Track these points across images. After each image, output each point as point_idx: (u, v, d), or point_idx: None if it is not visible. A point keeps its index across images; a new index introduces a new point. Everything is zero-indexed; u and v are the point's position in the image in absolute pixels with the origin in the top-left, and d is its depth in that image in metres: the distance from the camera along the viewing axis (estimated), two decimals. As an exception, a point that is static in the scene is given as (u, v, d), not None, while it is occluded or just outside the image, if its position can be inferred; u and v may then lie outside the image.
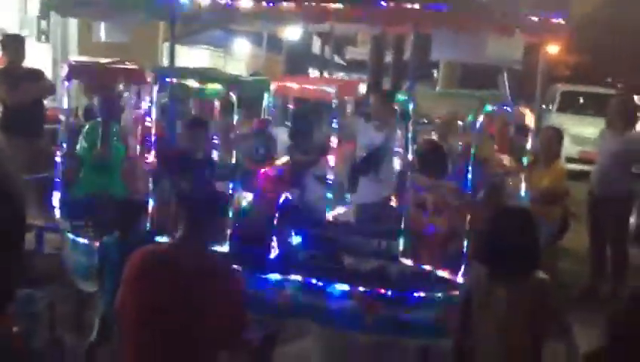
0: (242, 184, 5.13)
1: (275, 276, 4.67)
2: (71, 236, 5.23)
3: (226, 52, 20.64)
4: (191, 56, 18.41)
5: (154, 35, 14.30)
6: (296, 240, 4.99)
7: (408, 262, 4.71)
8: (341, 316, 4.61)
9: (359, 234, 5.18)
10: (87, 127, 5.97)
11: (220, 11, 4.95)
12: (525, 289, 3.25)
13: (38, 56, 10.63)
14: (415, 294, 4.58)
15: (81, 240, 5.12)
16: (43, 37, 13.57)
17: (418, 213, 4.85)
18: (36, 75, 6.97)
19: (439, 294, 4.54)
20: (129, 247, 3.98)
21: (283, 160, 5.51)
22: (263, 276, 4.67)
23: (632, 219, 7.92)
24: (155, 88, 5.00)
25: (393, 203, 5.70)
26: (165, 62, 8.75)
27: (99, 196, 5.48)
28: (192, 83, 5.10)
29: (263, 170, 5.13)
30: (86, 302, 4.92)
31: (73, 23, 12.58)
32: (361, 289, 4.60)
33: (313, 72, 13.13)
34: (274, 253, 4.79)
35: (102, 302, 4.41)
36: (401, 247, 4.72)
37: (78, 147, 5.82)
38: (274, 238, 4.80)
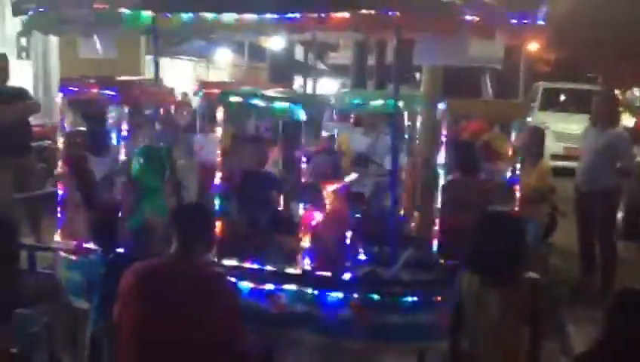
0: (312, 202, 5.01)
1: (269, 286, 4.70)
2: (63, 254, 5.24)
3: (209, 62, 20.71)
4: (173, 67, 18.43)
5: (136, 48, 14.31)
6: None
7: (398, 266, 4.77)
8: (335, 324, 4.64)
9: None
10: (150, 151, 5.47)
11: (201, 24, 4.99)
12: (517, 291, 3.27)
13: (19, 74, 10.58)
14: (408, 298, 4.62)
15: (73, 257, 5.12)
16: (23, 54, 13.54)
17: (456, 214, 4.89)
18: (21, 93, 6.98)
19: (433, 297, 4.58)
20: (110, 263, 4.02)
21: (351, 177, 5.52)
22: (259, 287, 4.70)
23: (619, 214, 8.01)
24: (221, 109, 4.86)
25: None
26: (149, 75, 8.73)
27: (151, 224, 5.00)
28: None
29: (332, 188, 5.10)
30: (82, 320, 4.90)
31: (54, 39, 12.55)
32: (354, 296, 4.63)
33: (297, 79, 13.19)
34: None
35: (90, 319, 4.41)
36: (435, 248, 4.82)
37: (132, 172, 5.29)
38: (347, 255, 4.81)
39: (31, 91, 8.62)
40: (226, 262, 4.71)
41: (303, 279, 4.68)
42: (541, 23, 5.04)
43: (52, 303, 4.68)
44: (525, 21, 4.90)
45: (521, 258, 3.33)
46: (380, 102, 5.79)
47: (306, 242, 4.69)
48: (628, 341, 2.59)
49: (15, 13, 10.51)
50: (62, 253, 5.25)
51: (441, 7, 4.64)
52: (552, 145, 12.45)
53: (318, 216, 4.80)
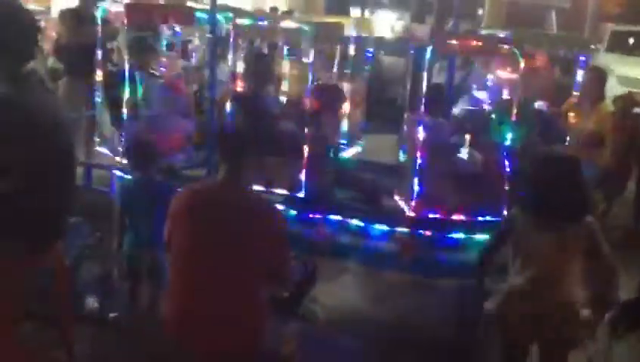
0: None
1: (316, 216, 4.74)
2: (118, 172, 5.35)
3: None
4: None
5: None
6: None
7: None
8: (379, 256, 4.67)
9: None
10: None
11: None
12: (573, 235, 3.19)
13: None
14: (453, 236, 4.62)
15: (129, 176, 5.21)
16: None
17: None
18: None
19: (477, 236, 4.56)
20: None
21: None
22: (305, 215, 4.74)
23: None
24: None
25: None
26: None
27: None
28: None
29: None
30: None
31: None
32: (399, 230, 4.65)
33: (354, 10, 12.97)
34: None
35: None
36: None
37: None
38: None
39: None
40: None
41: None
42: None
43: (104, 220, 4.79)
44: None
45: (583, 203, 3.23)
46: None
47: None
48: None
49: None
50: (117, 172, 5.38)
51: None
52: (614, 89, 12.01)
53: None
